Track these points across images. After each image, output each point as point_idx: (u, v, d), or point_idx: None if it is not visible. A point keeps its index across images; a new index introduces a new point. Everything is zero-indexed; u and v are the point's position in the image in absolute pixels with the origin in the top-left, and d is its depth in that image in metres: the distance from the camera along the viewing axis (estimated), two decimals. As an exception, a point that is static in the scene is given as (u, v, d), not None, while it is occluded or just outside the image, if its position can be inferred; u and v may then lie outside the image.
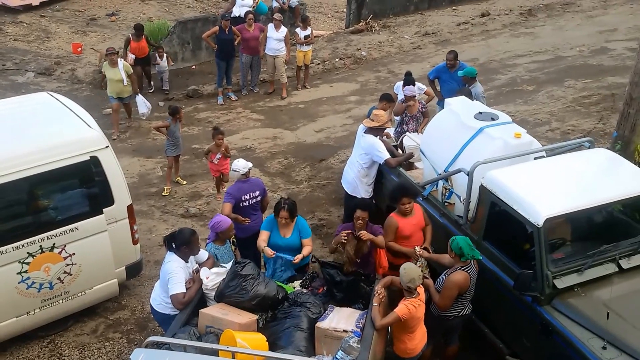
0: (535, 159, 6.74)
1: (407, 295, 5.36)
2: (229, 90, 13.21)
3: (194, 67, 14.74)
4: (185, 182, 9.84)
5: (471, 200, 6.41)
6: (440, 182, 7.11)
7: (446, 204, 6.99)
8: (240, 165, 7.09)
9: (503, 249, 6.02)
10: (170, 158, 9.60)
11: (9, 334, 6.39)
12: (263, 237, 6.42)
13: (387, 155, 7.73)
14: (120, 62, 10.99)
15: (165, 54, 13.08)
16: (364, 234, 6.08)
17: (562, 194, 5.88)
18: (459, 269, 5.64)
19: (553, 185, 6.00)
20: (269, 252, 6.18)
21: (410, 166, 8.24)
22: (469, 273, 5.62)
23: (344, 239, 6.11)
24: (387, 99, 8.98)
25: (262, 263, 6.79)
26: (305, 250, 6.36)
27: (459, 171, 6.65)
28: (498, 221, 6.06)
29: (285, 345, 5.09)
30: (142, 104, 11.19)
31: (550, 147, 7.26)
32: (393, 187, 6.97)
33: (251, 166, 7.28)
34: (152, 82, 13.36)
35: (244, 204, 7.04)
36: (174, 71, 14.30)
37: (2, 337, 6.37)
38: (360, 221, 6.16)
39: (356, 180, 7.99)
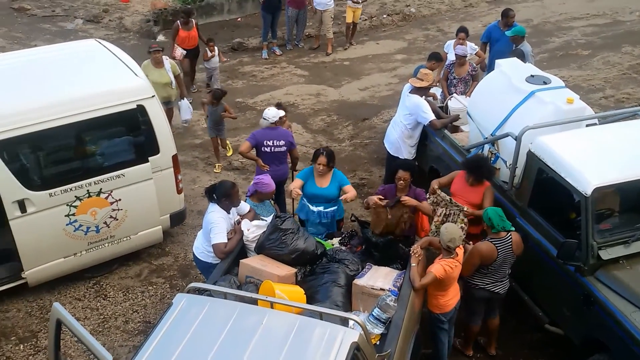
0: (587, 126, 6.55)
1: (445, 254, 5.36)
2: (274, 44, 13.14)
3: (239, 19, 14.68)
4: (231, 152, 9.39)
5: (517, 166, 6.30)
6: (486, 146, 7.00)
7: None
8: (270, 114, 7.19)
9: (548, 217, 5.93)
10: (213, 138, 9.05)
11: (57, 273, 6.66)
12: (296, 184, 6.39)
13: (432, 117, 7.63)
14: (167, 61, 9.06)
15: (216, 48, 11.04)
16: (407, 200, 5.95)
17: (613, 163, 5.72)
18: (488, 240, 5.59)
19: (604, 154, 5.84)
20: (296, 191, 6.19)
21: (455, 129, 8.12)
22: (496, 246, 5.54)
23: (373, 206, 6.00)
24: (436, 58, 8.81)
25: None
26: (351, 194, 6.29)
27: (506, 135, 6.52)
28: (544, 188, 5.95)
29: (323, 299, 5.16)
30: (187, 110, 9.32)
31: (603, 115, 7.05)
32: (475, 156, 6.77)
33: (282, 114, 7.32)
34: (194, 80, 11.43)
35: (265, 149, 7.12)
36: (218, 23, 14.28)
37: (51, 276, 6.65)
38: (401, 182, 6.11)
39: (399, 140, 7.93)
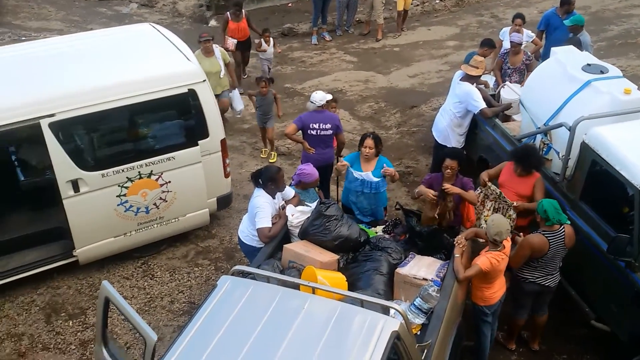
0: (644, 118, 6.31)
1: (491, 247, 5.27)
2: (323, 29, 13.11)
3: (290, 4, 14.69)
4: (274, 160, 8.97)
5: (570, 157, 6.12)
6: (539, 137, 6.82)
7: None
8: (317, 97, 7.21)
9: (600, 211, 5.76)
10: (261, 129, 9.01)
11: (107, 252, 6.85)
12: (343, 162, 6.45)
13: (483, 105, 7.48)
14: (217, 49, 9.00)
15: (271, 39, 10.81)
16: (450, 188, 5.86)
17: (671, 157, 5.49)
18: (540, 232, 5.45)
19: (661, 147, 5.61)
20: (341, 164, 6.30)
21: (507, 118, 7.94)
22: (548, 239, 5.40)
23: (431, 197, 5.91)
24: (489, 44, 8.61)
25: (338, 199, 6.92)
26: (391, 169, 6.29)
27: (560, 126, 6.34)
28: (597, 181, 5.78)
29: (364, 287, 5.17)
30: (239, 100, 9.32)
31: (663, 107, 6.75)
32: (523, 145, 6.64)
33: (330, 98, 7.34)
34: (247, 70, 11.35)
35: (312, 132, 7.17)
36: (269, 8, 14.32)
37: (101, 255, 6.85)
38: (448, 170, 6.01)
39: (448, 129, 7.82)
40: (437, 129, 8.04)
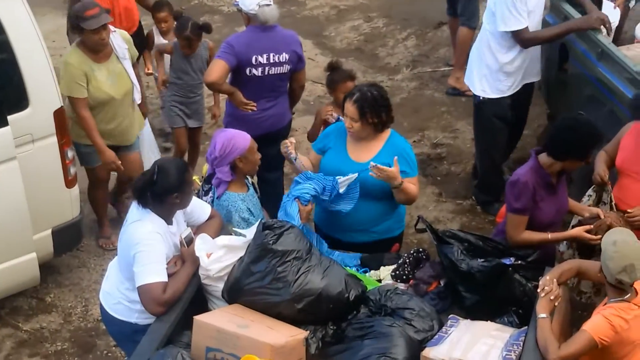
0: None
1: (611, 294, 5.37)
2: None
3: None
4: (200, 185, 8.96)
5: None
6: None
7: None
8: None
9: None
10: (178, 130, 9.11)
11: None
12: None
13: (521, 22, 7.73)
14: (117, 40, 8.11)
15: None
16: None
17: None
18: None
19: None
20: (291, 142, 6.36)
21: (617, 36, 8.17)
22: None
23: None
24: None
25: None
26: (410, 188, 6.33)
27: None
28: None
29: (363, 390, 5.24)
30: (152, 142, 9.17)
31: None
32: None
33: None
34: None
35: (254, 72, 7.31)
36: None
37: None
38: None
39: (479, 62, 8.10)
40: (469, 64, 8.42)
